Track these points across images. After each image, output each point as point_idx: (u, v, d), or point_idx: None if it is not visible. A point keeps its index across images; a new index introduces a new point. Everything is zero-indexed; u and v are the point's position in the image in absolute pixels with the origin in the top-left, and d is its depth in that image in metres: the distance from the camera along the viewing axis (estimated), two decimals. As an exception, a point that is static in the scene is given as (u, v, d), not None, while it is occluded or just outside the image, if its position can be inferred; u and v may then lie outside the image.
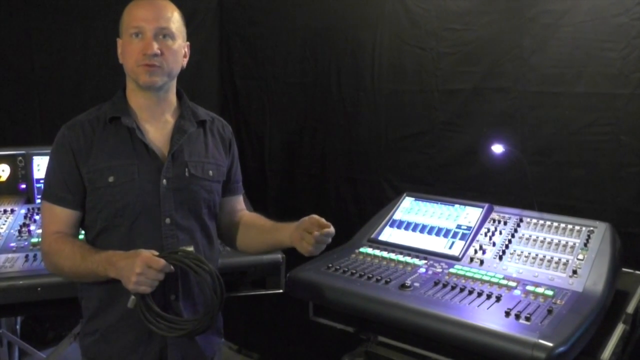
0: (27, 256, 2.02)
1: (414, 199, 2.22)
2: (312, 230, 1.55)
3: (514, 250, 1.88)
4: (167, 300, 1.55)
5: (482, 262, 1.87)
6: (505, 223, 2.00)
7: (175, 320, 1.51)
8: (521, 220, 1.99)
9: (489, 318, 1.52)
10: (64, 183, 1.56)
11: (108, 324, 1.57)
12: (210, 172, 1.66)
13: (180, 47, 1.61)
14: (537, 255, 1.83)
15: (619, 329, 1.65)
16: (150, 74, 1.54)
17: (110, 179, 1.54)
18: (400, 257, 1.94)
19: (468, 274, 1.79)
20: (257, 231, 1.75)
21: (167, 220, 1.56)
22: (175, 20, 1.60)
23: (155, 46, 1.53)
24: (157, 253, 1.45)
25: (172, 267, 1.45)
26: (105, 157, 1.56)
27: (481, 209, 2.06)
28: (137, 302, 1.46)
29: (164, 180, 1.56)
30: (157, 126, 1.63)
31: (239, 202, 1.84)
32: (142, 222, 1.55)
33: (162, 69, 1.56)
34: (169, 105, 1.66)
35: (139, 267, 1.39)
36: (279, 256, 2.15)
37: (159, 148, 1.60)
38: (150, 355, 1.57)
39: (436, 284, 1.74)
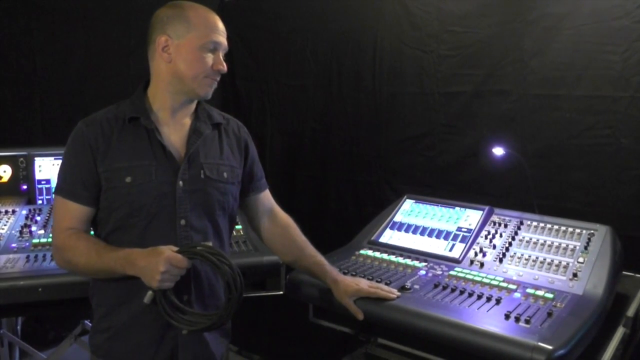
0: (28, 257, 2.03)
1: (414, 201, 2.22)
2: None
3: (514, 253, 1.88)
4: (179, 300, 1.56)
5: (482, 264, 1.87)
6: (505, 226, 2.00)
7: (196, 314, 1.51)
8: (521, 223, 1.99)
9: (489, 320, 1.52)
10: (80, 179, 1.55)
11: (121, 323, 1.57)
12: (225, 174, 1.67)
13: None
14: (537, 258, 1.83)
15: (619, 332, 1.65)
16: (212, 87, 1.60)
17: (128, 179, 1.54)
18: (401, 259, 1.95)
19: (468, 276, 1.80)
20: (301, 257, 1.79)
21: (182, 222, 1.56)
22: None
23: (225, 64, 1.59)
24: (175, 248, 1.45)
25: (192, 262, 1.47)
26: (123, 156, 1.56)
27: (481, 212, 2.06)
28: (158, 298, 1.47)
29: (181, 182, 1.57)
30: (174, 128, 1.63)
31: (268, 198, 1.86)
32: (158, 222, 1.55)
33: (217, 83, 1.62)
34: (190, 109, 1.67)
35: (163, 266, 1.40)
36: (279, 257, 2.15)
37: (176, 149, 1.61)
38: (162, 355, 1.57)
39: (436, 286, 1.74)
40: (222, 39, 1.59)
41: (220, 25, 1.60)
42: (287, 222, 1.84)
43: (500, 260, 1.86)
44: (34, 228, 2.23)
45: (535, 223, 1.97)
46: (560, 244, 1.86)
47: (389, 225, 2.15)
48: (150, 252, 1.44)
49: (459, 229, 2.03)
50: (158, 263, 1.41)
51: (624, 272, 1.89)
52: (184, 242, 1.55)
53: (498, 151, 2.26)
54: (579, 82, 2.21)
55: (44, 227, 2.25)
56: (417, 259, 1.95)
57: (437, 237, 2.03)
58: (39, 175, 2.55)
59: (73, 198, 1.55)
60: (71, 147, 1.58)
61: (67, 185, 1.57)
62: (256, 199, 1.81)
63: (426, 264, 1.92)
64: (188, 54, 1.55)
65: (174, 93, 1.60)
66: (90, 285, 1.65)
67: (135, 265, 1.45)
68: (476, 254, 1.92)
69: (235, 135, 1.75)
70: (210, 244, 1.52)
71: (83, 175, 1.55)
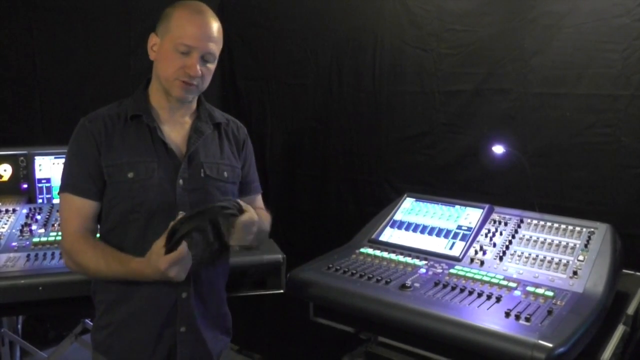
0: (28, 256, 2.03)
1: (414, 199, 2.22)
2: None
3: (515, 251, 1.88)
4: (178, 297, 1.57)
5: (482, 262, 1.87)
6: (505, 224, 2.00)
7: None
8: (522, 221, 1.99)
9: (489, 318, 1.52)
10: (87, 172, 1.55)
11: (120, 319, 1.59)
12: (225, 174, 1.67)
13: (215, 66, 1.62)
14: (537, 256, 1.83)
15: (619, 330, 1.65)
16: (186, 91, 1.58)
17: (130, 175, 1.54)
18: (401, 258, 1.95)
19: (468, 274, 1.80)
20: None
21: None
22: (219, 41, 1.60)
23: (199, 69, 1.54)
24: (162, 242, 1.43)
25: (185, 244, 1.45)
26: (125, 152, 1.56)
27: (482, 210, 2.06)
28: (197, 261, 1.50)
29: (180, 180, 1.58)
30: (175, 126, 1.64)
31: (258, 202, 1.84)
32: (158, 219, 1.55)
33: (197, 87, 1.59)
34: (190, 108, 1.68)
35: (173, 273, 1.43)
36: (279, 256, 2.16)
37: (177, 147, 1.62)
38: (160, 352, 1.59)
39: (436, 284, 1.74)
40: (202, 43, 1.54)
41: (207, 30, 1.55)
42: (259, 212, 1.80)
43: (501, 259, 1.87)
44: (34, 227, 2.23)
45: (535, 221, 1.97)
46: (560, 242, 1.86)
47: (390, 224, 2.15)
48: (151, 265, 1.45)
49: (459, 227, 2.03)
50: (166, 275, 1.43)
51: (624, 270, 1.89)
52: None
53: (498, 150, 2.26)
54: (580, 80, 2.21)
55: (44, 226, 2.25)
56: (417, 258, 1.95)
57: (438, 235, 2.03)
58: (39, 174, 2.55)
59: (80, 193, 1.56)
60: (75, 142, 1.59)
61: (73, 180, 1.57)
62: (247, 201, 1.77)
63: (426, 262, 1.92)
64: (164, 53, 1.55)
65: (160, 90, 1.61)
66: (92, 282, 1.66)
67: (149, 278, 1.47)
68: (476, 252, 1.92)
69: (235, 136, 1.76)
70: (180, 214, 1.48)
71: (90, 167, 1.55)
